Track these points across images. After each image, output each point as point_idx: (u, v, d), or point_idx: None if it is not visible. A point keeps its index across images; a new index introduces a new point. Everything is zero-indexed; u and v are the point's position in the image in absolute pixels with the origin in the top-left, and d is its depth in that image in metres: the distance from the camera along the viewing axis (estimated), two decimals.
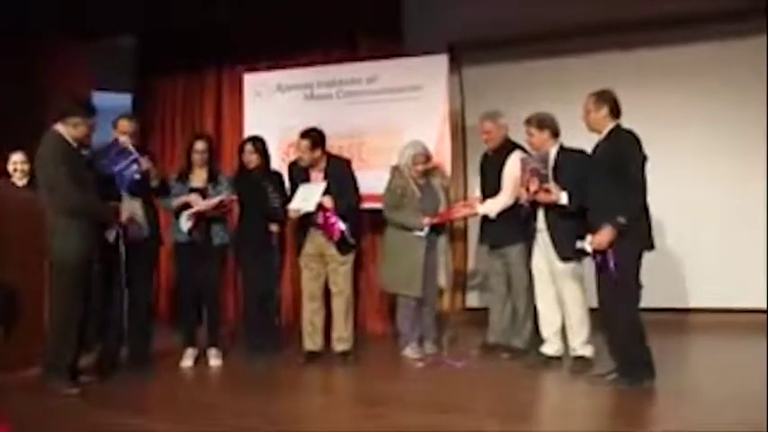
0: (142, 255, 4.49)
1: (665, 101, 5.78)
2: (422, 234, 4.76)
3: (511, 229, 4.62)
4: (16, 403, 3.85)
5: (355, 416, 3.71)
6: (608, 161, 3.93)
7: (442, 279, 4.92)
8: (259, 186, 4.84)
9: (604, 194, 3.90)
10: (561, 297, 4.37)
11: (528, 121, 4.43)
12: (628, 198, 3.82)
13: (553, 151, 4.35)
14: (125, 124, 4.53)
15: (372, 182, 5.15)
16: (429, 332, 5.00)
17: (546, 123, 4.37)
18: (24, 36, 6.21)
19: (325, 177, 4.72)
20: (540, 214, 4.36)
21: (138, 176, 4.37)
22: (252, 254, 4.89)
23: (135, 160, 4.34)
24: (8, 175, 5.03)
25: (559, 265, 4.28)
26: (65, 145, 4.05)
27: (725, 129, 5.69)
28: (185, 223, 4.64)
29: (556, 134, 4.39)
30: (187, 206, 4.68)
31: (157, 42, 6.99)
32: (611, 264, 3.85)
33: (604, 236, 3.83)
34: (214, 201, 4.67)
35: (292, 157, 5.15)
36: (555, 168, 4.28)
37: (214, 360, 4.79)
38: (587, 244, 3.92)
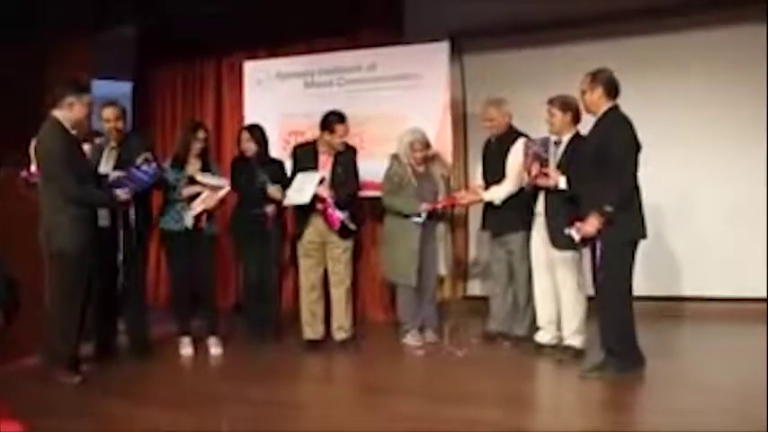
0: (135, 241, 4.49)
1: (671, 88, 5.71)
2: (419, 220, 4.74)
3: (513, 216, 4.60)
4: (20, 394, 3.84)
5: (356, 404, 3.73)
6: (597, 146, 3.86)
7: (442, 267, 4.92)
8: (254, 174, 4.82)
9: (593, 180, 3.84)
10: (556, 285, 4.34)
11: (551, 101, 4.31)
12: (615, 185, 3.75)
13: (568, 136, 4.29)
14: (108, 112, 4.53)
15: (373, 170, 5.14)
16: (430, 321, 4.99)
17: (570, 106, 4.25)
18: (27, 27, 6.18)
19: (335, 163, 4.72)
20: (541, 199, 4.32)
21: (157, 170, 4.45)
22: (248, 241, 4.88)
23: (138, 168, 4.36)
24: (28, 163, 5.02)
25: (555, 252, 4.25)
26: (63, 133, 4.02)
27: (730, 117, 5.61)
28: (190, 219, 4.63)
29: (577, 120, 4.28)
30: (195, 197, 4.66)
31: (158, 30, 6.96)
32: (599, 252, 3.83)
33: (590, 224, 3.78)
34: (221, 195, 4.66)
35: (293, 143, 5.17)
36: (565, 153, 4.24)
37: (214, 349, 4.79)
38: (574, 231, 3.89)
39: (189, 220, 4.62)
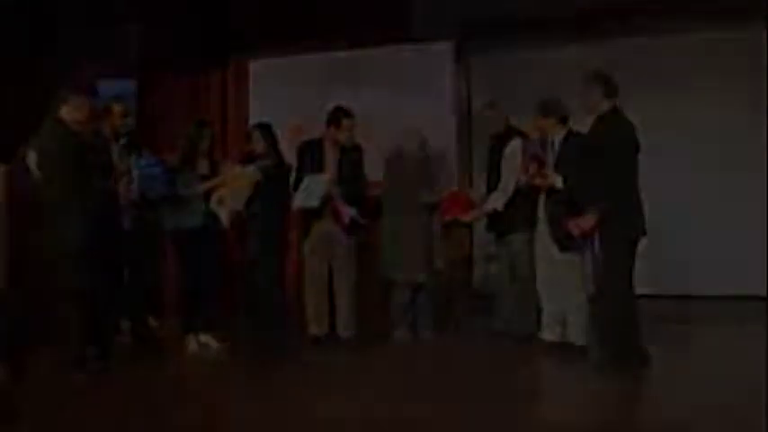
0: (143, 238, 4.52)
1: (676, 87, 5.72)
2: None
3: (516, 217, 4.63)
4: (29, 392, 3.86)
5: (362, 401, 3.73)
6: (594, 144, 3.89)
7: (439, 263, 4.94)
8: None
9: (590, 178, 3.87)
10: (558, 284, 4.36)
11: (534, 109, 4.39)
12: (611, 183, 3.78)
13: (560, 136, 4.32)
14: (120, 109, 4.55)
15: (377, 168, 5.16)
16: (425, 317, 5.02)
17: (550, 109, 4.32)
18: (33, 28, 6.22)
19: (341, 160, 4.73)
20: (541, 202, 4.36)
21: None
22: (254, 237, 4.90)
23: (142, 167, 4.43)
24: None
25: (556, 253, 4.28)
26: (65, 132, 4.04)
27: (736, 116, 5.63)
28: (225, 218, 4.68)
29: (563, 119, 4.33)
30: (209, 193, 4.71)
31: (163, 29, 6.98)
32: (596, 249, 3.85)
33: (586, 221, 3.82)
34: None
35: (298, 141, 5.16)
36: (561, 153, 4.27)
37: (215, 343, 4.81)
38: (572, 227, 3.91)
39: (225, 220, 4.67)
